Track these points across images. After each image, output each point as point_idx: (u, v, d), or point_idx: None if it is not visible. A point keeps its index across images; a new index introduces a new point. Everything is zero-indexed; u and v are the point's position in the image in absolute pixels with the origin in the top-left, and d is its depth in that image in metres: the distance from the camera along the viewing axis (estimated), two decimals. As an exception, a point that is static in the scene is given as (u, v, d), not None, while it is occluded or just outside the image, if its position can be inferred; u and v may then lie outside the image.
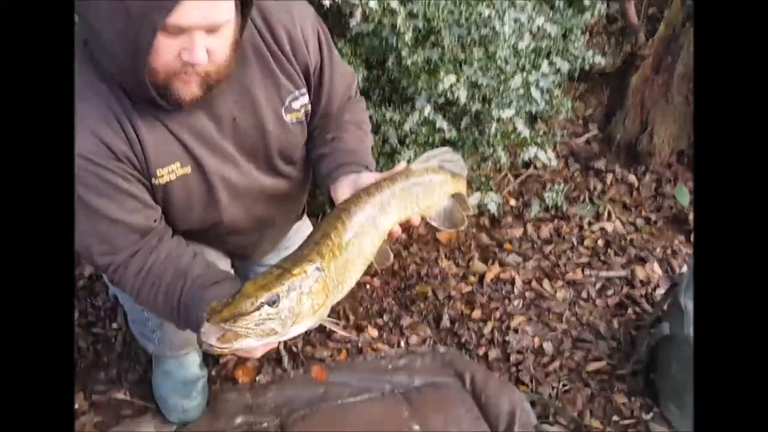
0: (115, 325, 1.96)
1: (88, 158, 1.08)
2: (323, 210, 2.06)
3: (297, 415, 1.70)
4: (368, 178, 1.15)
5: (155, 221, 1.20)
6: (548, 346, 1.98)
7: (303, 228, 1.72)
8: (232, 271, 1.51)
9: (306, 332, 1.94)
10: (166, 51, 1.03)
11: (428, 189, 1.17)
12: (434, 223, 1.21)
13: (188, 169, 1.19)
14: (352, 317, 2.02)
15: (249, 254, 1.60)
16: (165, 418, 1.69)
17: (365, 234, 1.08)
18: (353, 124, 1.35)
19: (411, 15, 1.99)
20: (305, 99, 1.29)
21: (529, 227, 2.44)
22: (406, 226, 1.17)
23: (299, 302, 0.94)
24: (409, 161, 1.25)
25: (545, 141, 2.26)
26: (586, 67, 2.32)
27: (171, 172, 1.18)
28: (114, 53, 1.03)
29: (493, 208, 2.30)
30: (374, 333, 1.98)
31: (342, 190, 1.19)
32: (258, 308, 0.90)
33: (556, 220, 2.49)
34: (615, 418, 1.78)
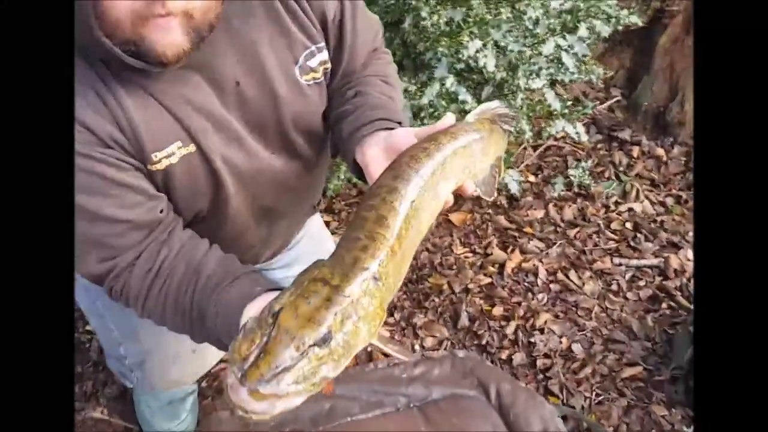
0: (88, 327, 1.72)
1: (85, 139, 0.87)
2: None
3: (301, 436, 1.50)
4: (404, 135, 0.90)
5: (161, 212, 0.97)
6: (578, 349, 1.78)
7: (313, 224, 1.48)
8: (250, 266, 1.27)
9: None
10: None
11: (485, 147, 0.92)
12: (478, 191, 0.97)
13: (192, 148, 0.97)
14: (359, 315, 1.80)
15: (257, 256, 1.36)
16: (150, 441, 1.48)
17: (425, 208, 0.80)
18: (379, 76, 1.09)
19: (431, -32, 1.71)
20: (324, 55, 1.06)
21: (551, 208, 2.21)
22: (458, 194, 0.91)
23: (355, 332, 0.69)
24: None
25: (575, 113, 2.01)
26: (620, 28, 2.05)
27: (171, 154, 0.96)
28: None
29: (513, 187, 2.07)
30: (385, 334, 1.76)
31: (372, 153, 0.94)
32: (303, 352, 0.66)
33: (579, 200, 2.26)
34: (654, 433, 1.60)
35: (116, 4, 0.78)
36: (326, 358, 0.67)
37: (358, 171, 0.98)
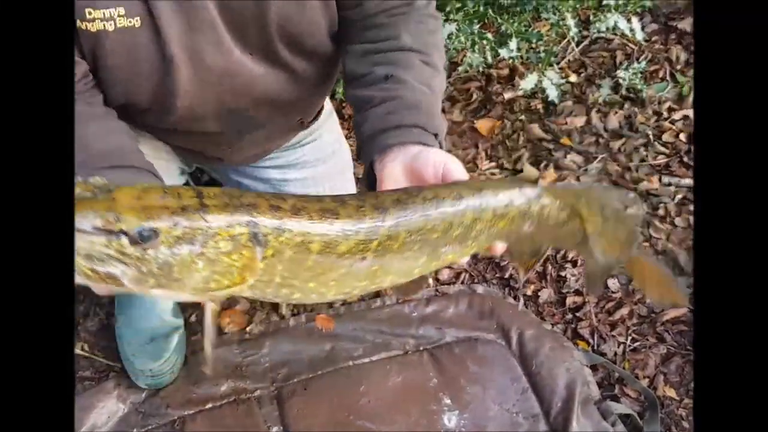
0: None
1: None
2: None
3: (297, 381, 1.36)
4: (435, 163, 0.75)
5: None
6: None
7: (326, 131, 1.32)
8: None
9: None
10: None
11: (542, 221, 0.75)
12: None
13: (136, 22, 0.85)
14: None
15: (228, 158, 1.19)
16: (132, 381, 1.35)
17: (397, 253, 0.67)
18: (420, 54, 0.90)
19: None
20: None
21: (594, 115, 1.92)
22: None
23: (187, 265, 0.58)
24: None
25: (632, 5, 1.67)
26: None
27: (107, 19, 0.84)
28: None
29: (552, 93, 1.78)
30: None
31: (392, 169, 0.79)
32: (110, 234, 0.56)
33: (627, 105, 1.96)
34: (693, 386, 1.42)
35: None
36: (130, 260, 0.56)
37: (371, 177, 0.82)
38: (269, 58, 0.96)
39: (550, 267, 1.60)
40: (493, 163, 1.80)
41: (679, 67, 2.09)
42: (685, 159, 1.85)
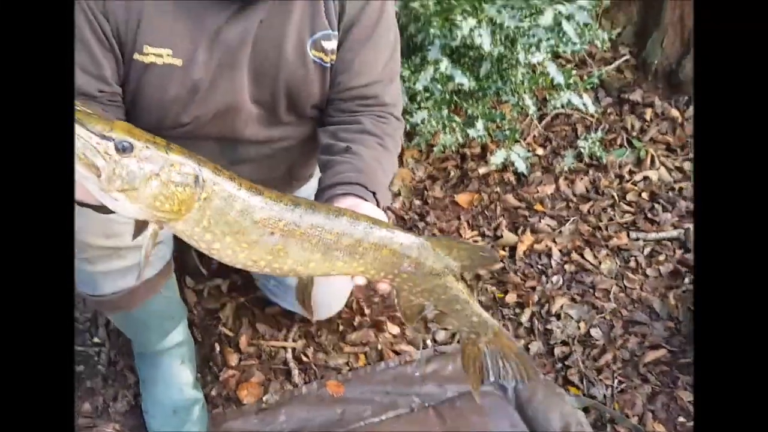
0: (96, 339, 1.69)
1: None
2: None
3: (313, 445, 1.47)
4: (367, 211, 0.98)
5: (100, 92, 1.09)
6: (597, 333, 1.72)
7: None
8: None
9: (315, 334, 1.68)
10: None
11: (418, 267, 0.93)
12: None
13: (178, 62, 1.10)
14: (367, 311, 1.75)
15: None
16: (160, 457, 1.45)
17: (298, 240, 0.88)
18: (377, 138, 1.15)
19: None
20: (335, 45, 1.17)
21: (562, 182, 2.12)
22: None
23: (146, 180, 0.81)
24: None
25: (581, 84, 1.91)
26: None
27: (158, 55, 1.09)
28: None
29: (521, 165, 1.98)
30: (395, 330, 1.71)
31: None
32: (102, 136, 0.80)
33: (591, 171, 2.17)
34: (681, 419, 1.54)
35: None
36: (110, 160, 0.79)
37: None
38: (268, 110, 1.20)
39: (537, 322, 1.75)
40: (475, 232, 1.97)
41: (634, 133, 2.32)
42: (649, 215, 2.04)
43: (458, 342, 1.69)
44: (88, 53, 1.07)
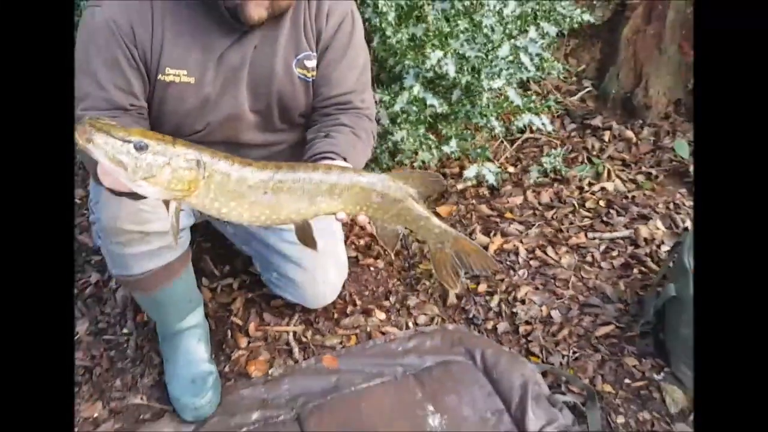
0: (125, 330, 1.97)
1: (113, 28, 1.32)
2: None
3: (312, 405, 1.72)
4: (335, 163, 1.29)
5: (131, 106, 1.37)
6: (556, 315, 1.98)
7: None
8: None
9: (313, 320, 1.96)
10: None
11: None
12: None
13: (191, 80, 1.39)
14: (358, 302, 2.03)
15: None
16: (181, 418, 1.71)
17: (286, 193, 1.16)
18: (351, 129, 1.46)
19: (392, -8, 1.95)
20: (315, 64, 1.48)
21: (529, 194, 2.42)
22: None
23: (160, 168, 1.06)
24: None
25: (539, 106, 2.23)
26: (575, 26, 2.27)
27: (176, 75, 1.38)
28: None
29: (491, 178, 2.29)
30: (382, 316, 1.99)
31: None
32: (124, 140, 1.05)
33: (555, 184, 2.47)
34: (627, 381, 1.79)
35: None
36: (131, 156, 1.05)
37: None
38: (264, 115, 1.50)
39: (504, 306, 2.02)
40: (453, 236, 2.26)
41: (594, 152, 2.63)
42: (605, 219, 2.33)
43: (436, 324, 1.97)
44: (120, 74, 1.35)
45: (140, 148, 1.05)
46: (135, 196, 1.19)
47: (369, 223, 1.26)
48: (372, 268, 2.12)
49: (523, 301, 2.03)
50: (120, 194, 1.22)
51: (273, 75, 1.45)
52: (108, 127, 1.05)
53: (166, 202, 1.15)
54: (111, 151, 1.04)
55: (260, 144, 1.55)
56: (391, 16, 1.92)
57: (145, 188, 1.08)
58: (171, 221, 1.15)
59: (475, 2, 2.06)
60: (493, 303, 2.03)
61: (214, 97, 1.43)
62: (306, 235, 1.24)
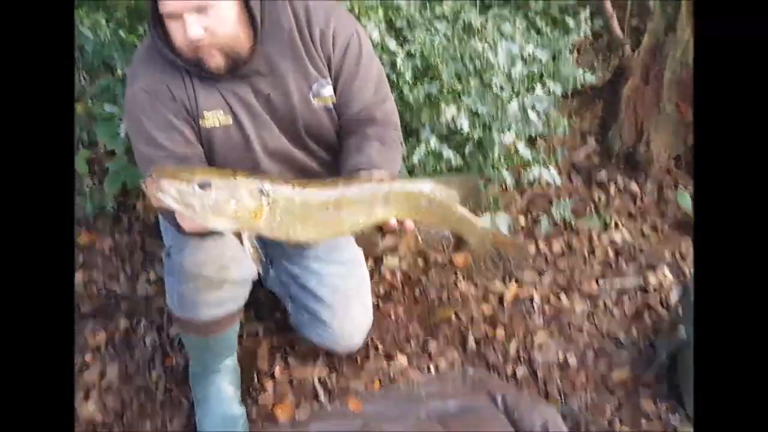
0: (154, 375, 2.02)
1: (152, 92, 1.43)
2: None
3: (339, 448, 1.77)
4: (377, 175, 1.36)
5: (191, 154, 1.46)
6: (572, 359, 2.04)
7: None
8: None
9: (337, 365, 2.02)
10: (176, 32, 1.36)
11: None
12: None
13: (229, 120, 1.48)
14: (380, 346, 2.09)
15: None
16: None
17: (347, 207, 1.25)
18: (377, 139, 1.54)
19: (409, 54, 2.10)
20: (331, 89, 1.54)
21: (541, 243, 2.51)
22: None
23: (226, 201, 1.15)
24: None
25: (547, 160, 2.35)
26: (578, 86, 2.42)
27: (215, 117, 1.47)
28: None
29: (504, 228, 2.39)
30: (404, 360, 2.04)
31: None
32: (189, 182, 1.13)
33: (566, 234, 2.56)
34: (643, 422, 1.84)
35: (179, 41, 1.37)
36: (197, 196, 1.14)
37: None
38: (302, 145, 1.59)
39: (521, 352, 2.08)
40: (470, 283, 2.34)
41: (601, 204, 2.74)
42: (615, 267, 2.42)
43: (457, 369, 2.03)
44: (172, 128, 1.44)
45: (204, 185, 1.14)
46: (209, 234, 1.27)
47: (414, 229, 1.34)
48: (392, 314, 2.19)
49: (540, 347, 2.09)
50: (196, 234, 1.31)
51: (295, 112, 1.52)
52: (172, 172, 1.15)
53: (239, 235, 1.23)
54: (178, 194, 1.13)
55: (311, 169, 1.62)
56: (408, 75, 2.07)
57: (215, 223, 1.16)
58: (249, 251, 1.23)
59: (485, 64, 2.21)
60: (512, 348, 2.09)
61: (254, 135, 1.51)
62: (367, 241, 1.32)
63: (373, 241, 1.34)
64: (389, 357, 2.05)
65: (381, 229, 1.32)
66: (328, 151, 1.62)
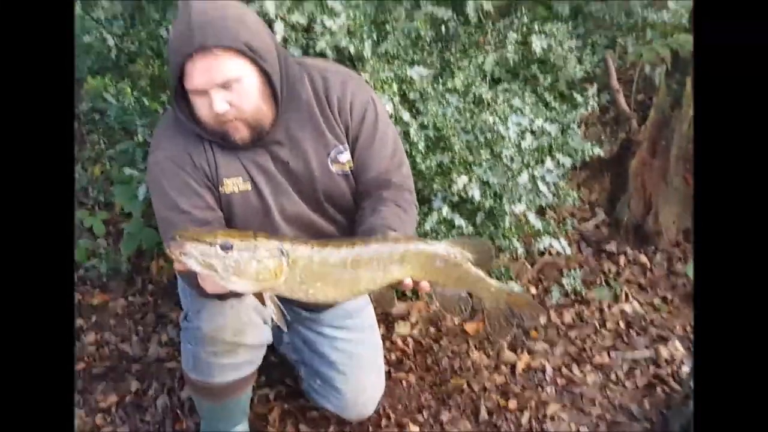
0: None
1: (174, 160, 1.49)
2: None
3: None
4: (393, 236, 1.39)
5: (212, 218, 1.50)
6: (585, 431, 2.01)
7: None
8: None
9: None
10: (201, 107, 1.43)
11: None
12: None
13: (248, 186, 1.53)
14: (392, 415, 2.07)
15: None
16: None
17: (364, 266, 1.28)
18: (393, 201, 1.58)
19: (422, 126, 2.18)
20: (348, 155, 1.59)
21: (552, 313, 2.52)
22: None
23: (247, 262, 1.19)
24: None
25: (557, 230, 2.39)
26: (587, 159, 2.48)
27: (234, 184, 1.52)
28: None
29: (515, 297, 2.40)
30: (416, 430, 2.02)
31: None
32: (212, 244, 1.17)
33: (576, 305, 2.57)
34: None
35: (205, 115, 1.44)
36: (220, 257, 1.18)
37: None
38: (320, 210, 1.62)
39: (534, 423, 2.06)
40: (482, 352, 2.34)
41: (611, 276, 2.76)
42: (626, 339, 2.41)
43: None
44: (194, 193, 1.49)
45: (226, 248, 1.18)
46: (229, 296, 1.32)
47: (430, 289, 1.36)
48: (404, 383, 2.18)
49: (552, 418, 2.07)
50: (223, 297, 1.35)
51: (314, 179, 1.56)
52: (195, 235, 1.19)
53: (260, 296, 1.26)
54: (201, 256, 1.17)
55: (328, 232, 1.64)
56: (421, 145, 2.14)
57: (237, 284, 1.20)
58: (272, 310, 1.27)
59: (496, 136, 2.28)
60: (524, 420, 2.06)
61: (272, 201, 1.55)
62: (385, 300, 1.36)
63: (390, 301, 1.37)
64: (401, 426, 2.03)
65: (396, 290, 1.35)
66: (344, 215, 1.65)
